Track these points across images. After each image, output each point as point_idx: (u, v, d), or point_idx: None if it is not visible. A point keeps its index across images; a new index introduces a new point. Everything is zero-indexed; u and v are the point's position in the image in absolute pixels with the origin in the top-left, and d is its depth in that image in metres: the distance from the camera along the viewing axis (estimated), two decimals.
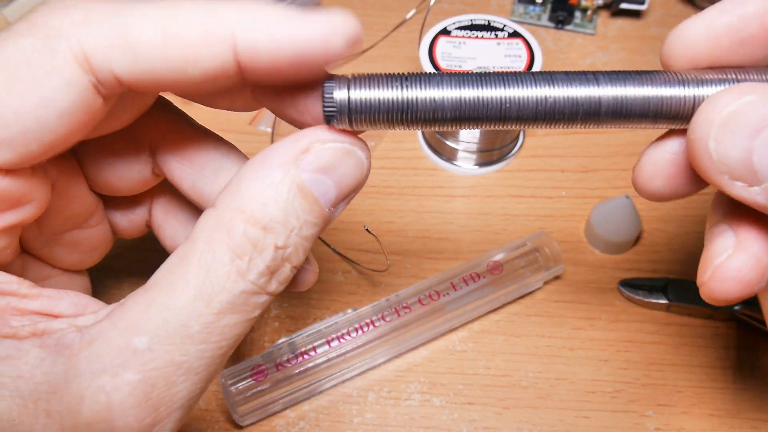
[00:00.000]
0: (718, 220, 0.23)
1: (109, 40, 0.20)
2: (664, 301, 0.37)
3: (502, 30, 0.43)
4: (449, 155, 0.44)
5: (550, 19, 0.52)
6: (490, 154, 0.44)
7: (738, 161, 0.20)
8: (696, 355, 0.36)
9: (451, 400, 0.35)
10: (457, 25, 0.43)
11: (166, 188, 0.29)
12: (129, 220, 0.30)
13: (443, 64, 0.41)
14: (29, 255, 0.27)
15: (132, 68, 0.20)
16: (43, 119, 0.20)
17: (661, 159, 0.23)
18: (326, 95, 0.21)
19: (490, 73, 0.22)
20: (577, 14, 0.52)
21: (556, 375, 0.36)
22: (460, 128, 0.22)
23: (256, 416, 0.34)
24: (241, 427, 0.34)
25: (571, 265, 0.40)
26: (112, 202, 0.29)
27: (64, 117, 0.21)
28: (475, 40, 0.42)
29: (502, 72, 0.22)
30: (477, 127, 0.22)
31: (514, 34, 0.43)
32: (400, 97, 0.21)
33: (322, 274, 0.39)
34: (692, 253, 0.40)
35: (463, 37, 0.43)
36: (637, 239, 0.40)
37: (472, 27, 0.43)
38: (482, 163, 0.44)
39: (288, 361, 0.33)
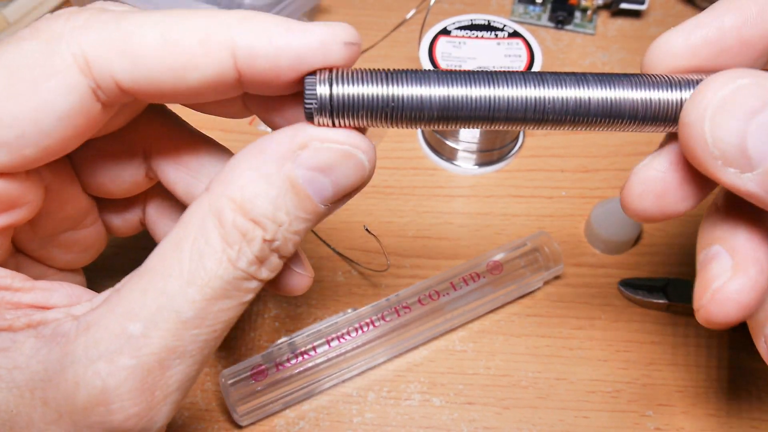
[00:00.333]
0: (711, 242, 0.23)
1: (110, 45, 0.20)
2: (663, 301, 0.37)
3: (502, 30, 0.43)
4: (449, 155, 0.44)
5: (550, 19, 0.52)
6: (490, 154, 0.44)
7: (732, 145, 0.19)
8: (696, 355, 0.36)
9: (451, 400, 0.35)
10: (457, 25, 0.43)
11: (160, 188, 0.29)
12: (123, 220, 0.30)
13: (443, 64, 0.41)
14: (24, 255, 0.27)
15: (132, 73, 0.20)
16: (40, 123, 0.20)
17: (650, 177, 0.23)
18: (307, 90, 0.21)
19: (478, 71, 0.22)
20: (577, 14, 0.52)
21: (556, 375, 0.36)
22: (446, 127, 0.22)
23: (256, 416, 0.34)
24: (241, 427, 0.34)
25: (571, 265, 0.40)
26: (106, 202, 0.29)
27: (61, 121, 0.21)
28: (475, 40, 0.43)
29: (492, 71, 0.22)
30: (464, 127, 0.22)
31: (514, 34, 0.43)
32: (384, 94, 0.21)
33: (322, 274, 0.39)
34: (692, 253, 0.40)
35: (463, 37, 0.43)
36: (637, 239, 0.40)
37: (472, 27, 0.43)
38: (482, 163, 0.44)
39: (288, 361, 0.33)
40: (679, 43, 0.22)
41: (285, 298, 0.38)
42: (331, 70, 0.21)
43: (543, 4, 0.53)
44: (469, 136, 0.43)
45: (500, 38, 0.43)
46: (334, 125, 0.21)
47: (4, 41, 0.21)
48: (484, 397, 0.35)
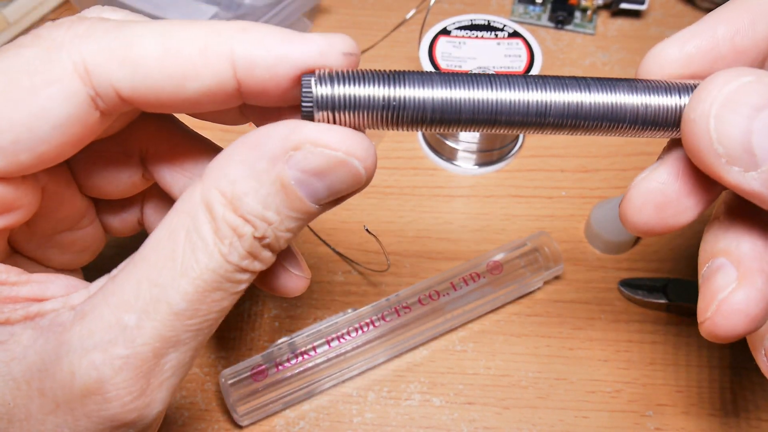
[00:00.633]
0: (713, 255, 0.22)
1: (110, 54, 0.20)
2: (663, 301, 0.37)
3: (502, 30, 0.43)
4: (449, 155, 0.44)
5: (550, 19, 0.52)
6: (490, 154, 0.44)
7: (737, 142, 0.19)
8: (696, 355, 0.36)
9: (451, 400, 0.35)
10: (457, 25, 0.43)
11: (157, 188, 0.29)
12: (121, 220, 0.30)
13: (443, 64, 0.41)
14: (21, 256, 0.27)
15: (132, 82, 0.20)
16: (37, 129, 0.20)
17: (650, 189, 0.22)
18: (304, 90, 0.20)
19: (480, 74, 0.21)
20: (577, 14, 0.52)
21: (556, 375, 0.36)
22: (446, 130, 0.21)
23: (256, 416, 0.34)
24: (241, 427, 0.34)
25: (571, 265, 0.40)
26: (103, 203, 0.29)
27: (58, 128, 0.21)
28: (475, 40, 0.43)
29: (493, 74, 0.21)
30: (464, 130, 0.22)
31: (514, 34, 0.43)
32: (384, 95, 0.20)
33: (322, 274, 0.39)
34: (692, 253, 0.40)
35: (463, 37, 0.43)
36: (637, 239, 0.40)
37: (472, 27, 0.43)
38: (482, 163, 0.44)
39: (288, 361, 0.33)
40: (673, 53, 0.22)
41: (285, 298, 0.38)
42: (329, 69, 0.21)
43: (543, 4, 0.53)
44: (469, 137, 0.43)
45: (500, 38, 0.43)
46: (333, 122, 0.21)
47: (4, 47, 0.21)
48: (484, 397, 0.35)
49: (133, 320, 0.20)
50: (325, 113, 0.20)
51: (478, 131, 0.22)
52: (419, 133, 0.46)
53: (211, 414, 0.35)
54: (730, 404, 0.35)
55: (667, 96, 0.22)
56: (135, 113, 0.25)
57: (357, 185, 0.21)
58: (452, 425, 0.34)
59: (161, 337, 0.20)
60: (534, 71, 0.41)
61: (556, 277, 0.39)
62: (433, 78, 0.21)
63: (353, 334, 0.34)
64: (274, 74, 0.20)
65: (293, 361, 0.34)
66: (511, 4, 0.53)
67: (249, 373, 0.33)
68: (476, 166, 0.44)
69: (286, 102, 0.22)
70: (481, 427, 0.34)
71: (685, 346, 0.37)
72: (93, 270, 0.31)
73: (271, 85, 0.21)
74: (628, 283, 0.38)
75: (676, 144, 0.23)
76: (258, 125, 0.24)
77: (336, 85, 0.20)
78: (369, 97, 0.20)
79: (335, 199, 0.21)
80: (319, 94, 0.20)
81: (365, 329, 0.35)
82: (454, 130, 0.22)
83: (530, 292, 0.39)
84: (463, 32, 0.43)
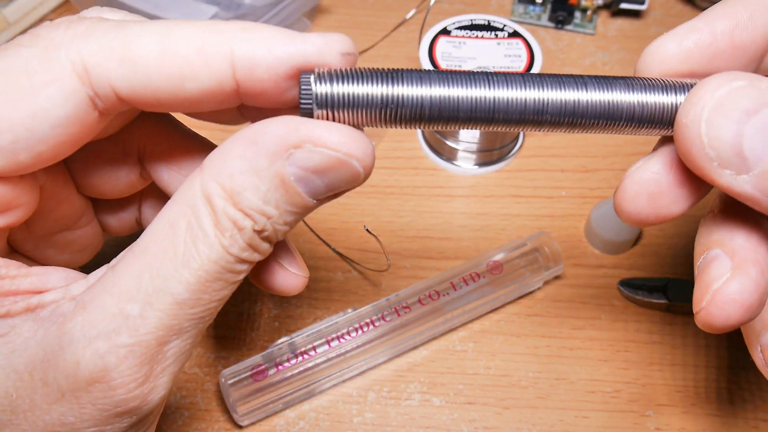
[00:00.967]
0: (708, 246, 0.23)
1: (109, 54, 0.20)
2: (664, 301, 0.37)
3: (502, 30, 0.43)
4: (449, 155, 0.44)
5: (550, 19, 0.52)
6: (490, 154, 0.44)
7: (728, 145, 0.19)
8: (696, 355, 0.36)
9: (451, 400, 0.35)
10: (457, 25, 0.43)
11: (155, 188, 0.29)
12: (119, 220, 0.30)
13: (443, 64, 0.41)
14: (20, 255, 0.27)
15: (130, 82, 0.20)
16: (35, 129, 0.20)
17: (643, 179, 0.23)
18: (303, 88, 0.20)
19: (477, 72, 0.21)
20: (577, 14, 0.52)
21: (556, 375, 0.36)
22: (444, 128, 0.22)
23: (256, 416, 0.34)
24: (241, 427, 0.34)
25: (571, 265, 0.40)
26: (101, 202, 0.29)
27: (57, 128, 0.21)
28: (475, 40, 0.43)
29: (490, 72, 0.21)
30: (462, 128, 0.22)
31: (514, 34, 0.43)
32: (382, 93, 0.20)
33: (322, 274, 0.39)
34: (692, 253, 0.40)
35: (463, 37, 0.43)
36: (637, 239, 0.40)
37: (472, 27, 0.43)
38: (482, 163, 0.44)
39: (288, 361, 0.34)
40: (672, 48, 0.23)
41: (285, 298, 0.38)
42: (327, 68, 0.21)
43: (543, 4, 0.53)
44: (469, 136, 0.43)
45: (500, 38, 0.43)
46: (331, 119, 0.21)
47: (3, 47, 0.21)
48: (484, 397, 0.35)
49: (136, 310, 0.20)
50: (323, 111, 0.21)
51: (476, 129, 0.22)
52: (419, 133, 0.46)
53: (211, 414, 0.35)
54: (730, 404, 0.35)
55: (663, 95, 0.22)
56: (134, 113, 0.25)
57: (355, 183, 0.22)
58: (452, 425, 0.34)
59: (164, 325, 0.20)
60: (534, 71, 0.41)
61: (556, 277, 0.39)
62: (431, 76, 0.21)
63: (353, 334, 0.34)
64: (273, 75, 0.21)
65: (293, 361, 0.34)
66: (511, 4, 0.53)
67: (249, 373, 0.33)
68: (476, 166, 0.44)
69: (285, 104, 0.22)
70: (481, 427, 0.34)
71: (685, 346, 0.37)
72: (92, 269, 0.31)
73: (270, 85, 0.21)
74: (628, 283, 0.38)
75: (670, 137, 0.23)
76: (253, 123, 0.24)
77: (334, 83, 0.20)
78: (367, 95, 0.21)
79: (331, 195, 0.22)
80: (318, 92, 0.20)
81: (365, 329, 0.35)
82: (452, 128, 0.22)
83: (530, 292, 0.39)
84: (463, 32, 0.43)
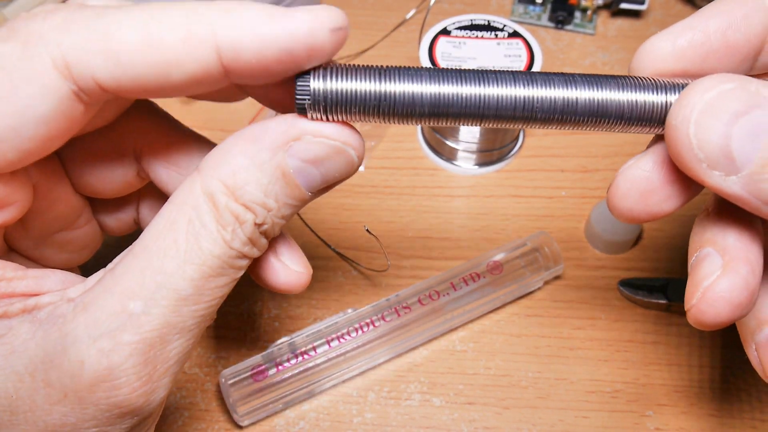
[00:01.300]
0: (701, 245, 0.23)
1: (90, 46, 0.20)
2: (663, 301, 0.37)
3: (502, 30, 0.43)
4: (449, 155, 0.44)
5: (550, 19, 0.52)
6: (489, 154, 0.44)
7: (717, 147, 0.20)
8: (696, 355, 0.36)
9: (451, 400, 0.35)
10: (457, 25, 0.43)
11: (153, 187, 0.29)
12: (117, 219, 0.30)
13: (443, 64, 0.41)
14: (18, 255, 0.27)
15: (114, 74, 0.20)
16: (19, 127, 0.20)
17: (635, 176, 0.23)
18: (299, 85, 0.21)
19: (469, 70, 0.22)
20: (577, 14, 0.52)
21: (556, 375, 0.36)
22: (436, 123, 0.22)
23: (256, 416, 0.34)
24: (241, 427, 0.34)
25: (571, 265, 0.40)
26: (99, 202, 0.29)
27: (41, 125, 0.20)
28: (475, 40, 0.42)
29: (482, 69, 0.22)
30: (454, 124, 0.22)
31: (514, 34, 0.43)
32: (376, 90, 0.21)
33: (322, 274, 0.39)
34: None
35: (463, 37, 0.43)
36: (637, 239, 0.40)
37: (472, 27, 0.43)
38: (482, 163, 0.44)
39: (288, 361, 0.34)
40: (665, 47, 0.23)
41: (285, 298, 0.38)
42: (322, 66, 0.21)
43: (543, 4, 0.53)
44: (469, 136, 0.43)
45: (500, 38, 0.43)
46: (326, 119, 0.21)
47: None
48: (484, 397, 0.35)
49: (140, 307, 0.20)
50: (318, 107, 0.21)
51: (468, 125, 0.22)
52: (419, 133, 0.46)
53: (211, 414, 0.35)
54: (729, 404, 0.35)
55: (653, 94, 0.22)
56: (126, 104, 0.25)
57: (350, 172, 0.22)
58: (452, 425, 0.34)
59: (168, 323, 0.21)
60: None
61: (556, 277, 0.39)
62: (423, 73, 0.21)
63: (353, 334, 0.34)
64: (260, 57, 0.20)
65: (293, 361, 0.34)
66: (511, 4, 0.53)
67: (249, 373, 0.33)
68: (476, 166, 0.44)
69: (276, 78, 0.21)
70: (481, 427, 0.34)
71: (685, 346, 0.37)
72: (91, 269, 0.31)
73: (259, 68, 0.20)
74: (628, 283, 0.38)
75: (662, 136, 0.23)
76: (257, 98, 0.24)
77: (329, 81, 0.21)
78: (361, 91, 0.21)
79: (326, 187, 0.23)
80: (313, 89, 0.21)
81: (365, 329, 0.35)
82: (445, 123, 0.22)
83: (530, 292, 0.39)
84: (463, 32, 0.43)
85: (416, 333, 0.35)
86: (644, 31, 0.52)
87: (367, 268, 0.39)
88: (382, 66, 0.22)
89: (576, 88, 0.22)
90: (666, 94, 0.22)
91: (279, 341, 0.34)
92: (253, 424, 0.34)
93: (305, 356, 0.34)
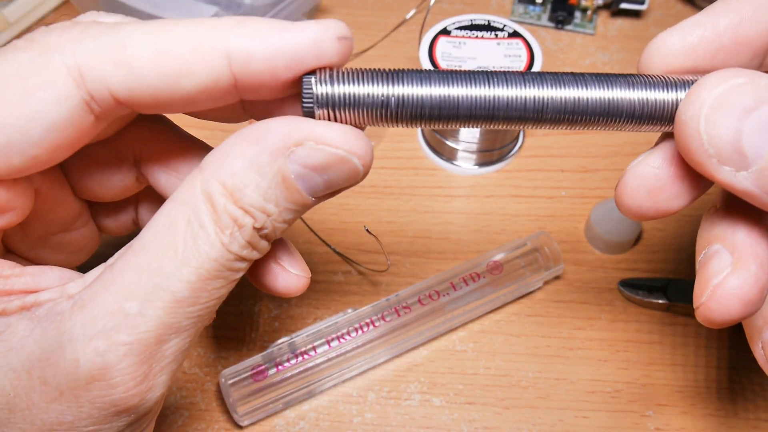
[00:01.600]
0: (710, 241, 0.23)
1: (104, 56, 0.20)
2: (663, 301, 0.37)
3: (502, 30, 0.43)
4: (449, 155, 0.44)
5: (550, 19, 0.52)
6: (490, 154, 0.44)
7: (727, 142, 0.20)
8: (696, 355, 0.36)
9: (451, 400, 0.35)
10: (457, 25, 0.43)
11: (151, 189, 0.29)
12: (116, 221, 0.30)
13: (443, 64, 0.41)
14: (15, 256, 0.27)
15: (127, 83, 0.20)
16: (29, 132, 0.20)
17: (644, 173, 0.23)
18: (305, 88, 0.21)
19: (477, 71, 0.22)
20: (577, 14, 0.52)
21: (556, 375, 0.36)
22: (445, 126, 0.22)
23: (256, 416, 0.34)
24: (241, 427, 0.34)
25: (571, 265, 0.40)
26: (97, 204, 0.29)
27: (51, 132, 0.21)
28: (475, 40, 0.42)
29: (490, 71, 0.22)
30: (462, 126, 0.22)
31: (514, 34, 0.43)
32: (381, 93, 0.21)
33: (322, 274, 0.39)
34: (692, 253, 0.40)
35: (463, 37, 0.43)
36: (637, 239, 0.40)
37: (472, 27, 0.43)
38: (482, 163, 0.44)
39: (288, 361, 0.34)
40: (675, 43, 0.23)
41: (285, 298, 0.38)
42: (329, 69, 0.21)
43: (543, 4, 0.53)
44: (469, 136, 0.43)
45: (500, 38, 0.43)
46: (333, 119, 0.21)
47: (0, 50, 0.21)
48: (484, 397, 0.35)
49: (136, 308, 0.20)
50: (325, 111, 0.21)
51: (476, 127, 0.22)
52: (419, 134, 0.46)
53: (211, 414, 0.35)
54: (730, 404, 0.35)
55: (663, 91, 0.22)
56: (130, 117, 0.25)
57: (354, 181, 0.22)
58: (452, 425, 0.34)
59: (163, 324, 0.21)
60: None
61: (556, 277, 0.39)
62: (431, 76, 0.21)
63: (353, 334, 0.34)
64: (271, 66, 0.20)
65: (293, 361, 0.34)
66: (511, 4, 0.53)
67: (249, 373, 0.33)
68: (476, 166, 0.44)
69: (284, 93, 0.22)
70: (481, 427, 0.34)
71: (685, 346, 0.37)
72: (90, 269, 0.31)
73: (268, 77, 0.21)
74: (628, 283, 0.38)
75: (671, 132, 0.23)
76: (260, 119, 0.24)
77: (336, 84, 0.21)
78: (367, 95, 0.21)
79: (330, 194, 0.22)
80: (320, 93, 0.21)
81: (365, 329, 0.35)
82: (453, 126, 0.22)
83: (530, 292, 0.39)
84: (463, 32, 0.43)
85: (416, 333, 0.35)
86: (644, 31, 0.52)
87: (367, 268, 0.39)
88: (389, 69, 0.21)
89: (586, 88, 0.22)
90: (676, 91, 0.22)
91: (279, 341, 0.34)
92: (253, 424, 0.34)
93: (305, 356, 0.34)
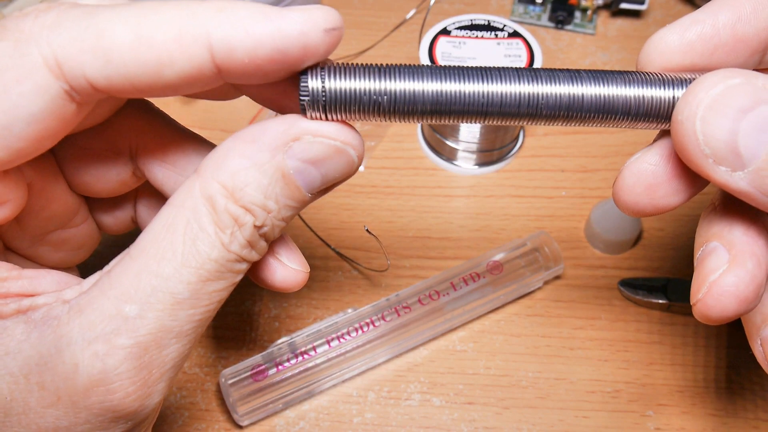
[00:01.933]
0: (707, 239, 0.23)
1: (81, 45, 0.20)
2: (664, 301, 0.37)
3: (502, 30, 0.43)
4: (449, 155, 0.44)
5: (550, 19, 0.52)
6: (490, 154, 0.44)
7: (723, 143, 0.20)
8: (696, 355, 0.36)
9: (451, 400, 0.35)
10: (457, 25, 0.43)
11: (150, 186, 0.29)
12: (114, 218, 0.30)
13: (443, 64, 0.41)
14: (14, 254, 0.27)
15: (105, 73, 0.20)
16: (11, 126, 0.20)
17: (641, 170, 0.23)
18: (302, 84, 0.21)
19: (472, 67, 0.22)
20: (577, 14, 0.52)
21: (556, 375, 0.36)
22: (439, 121, 0.22)
23: (256, 416, 0.34)
24: (241, 427, 0.34)
25: (571, 265, 0.40)
26: (95, 201, 0.29)
27: (33, 124, 0.20)
28: (475, 40, 0.42)
29: (485, 67, 0.22)
30: (457, 121, 0.22)
31: (514, 34, 0.43)
32: (376, 89, 0.21)
33: (322, 274, 0.39)
34: (692, 253, 0.40)
35: (463, 37, 0.43)
36: (637, 239, 0.40)
37: (472, 27, 0.43)
38: (482, 163, 0.44)
39: (288, 361, 0.33)
40: (674, 40, 0.23)
41: (285, 298, 0.38)
42: (325, 65, 0.21)
43: (543, 4, 0.53)
44: (469, 136, 0.43)
45: (500, 38, 0.43)
46: (326, 119, 0.21)
47: None
48: (484, 397, 0.35)
49: (135, 310, 0.20)
50: (321, 107, 0.21)
51: (471, 122, 0.22)
52: (419, 134, 0.46)
53: (211, 414, 0.35)
54: (730, 404, 0.35)
55: (660, 89, 0.22)
56: (119, 103, 0.25)
57: (349, 173, 0.22)
58: (452, 425, 0.34)
59: (164, 327, 0.20)
60: None
61: (556, 277, 0.39)
62: (425, 71, 0.21)
63: (353, 334, 0.34)
64: (253, 57, 0.20)
65: (293, 361, 0.34)
66: (511, 4, 0.53)
67: (249, 373, 0.33)
68: (476, 166, 0.44)
69: (271, 79, 0.21)
70: (481, 427, 0.34)
71: (685, 346, 0.37)
72: (90, 269, 0.31)
73: (252, 67, 0.20)
74: (628, 283, 0.38)
75: (668, 131, 0.23)
76: (252, 97, 0.24)
77: (332, 80, 0.21)
78: (365, 90, 0.21)
79: (326, 188, 0.22)
80: (316, 88, 0.21)
81: (365, 329, 0.35)
82: (448, 121, 0.22)
83: (530, 292, 0.39)
84: (463, 32, 0.43)
85: (416, 333, 0.35)
86: (644, 31, 0.52)
87: (367, 268, 0.39)
88: (383, 64, 0.21)
89: (582, 84, 0.22)
90: (673, 89, 0.22)
91: (279, 341, 0.34)
92: (253, 424, 0.34)
93: (305, 356, 0.34)
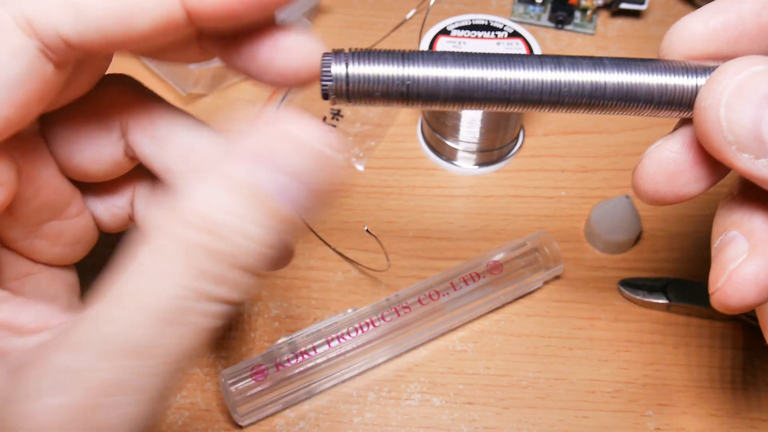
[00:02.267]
0: (726, 228, 0.23)
1: (50, 1, 0.19)
2: (664, 301, 0.37)
3: (502, 30, 0.43)
4: (449, 155, 0.44)
5: (550, 19, 0.52)
6: (489, 154, 0.44)
7: (747, 129, 0.19)
8: (696, 355, 0.36)
9: (451, 400, 0.35)
10: (457, 25, 0.43)
11: (146, 179, 0.29)
12: (111, 214, 0.29)
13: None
14: (8, 249, 0.26)
15: (77, 27, 0.20)
16: None
17: (663, 158, 0.23)
18: (324, 69, 0.21)
19: (495, 54, 0.22)
20: (577, 14, 0.52)
21: (556, 375, 0.36)
22: (461, 108, 0.22)
23: (256, 416, 0.34)
24: (241, 427, 0.34)
25: (571, 265, 0.40)
26: (91, 191, 0.28)
27: (14, 88, 0.20)
28: (475, 40, 0.42)
29: (508, 54, 0.22)
30: (479, 108, 0.22)
31: (514, 34, 0.43)
32: (400, 74, 0.21)
33: (322, 274, 0.39)
34: (692, 253, 0.40)
35: (463, 37, 0.43)
36: (637, 239, 0.40)
37: (472, 27, 0.43)
38: (482, 163, 0.44)
39: (288, 361, 0.33)
40: (697, 28, 0.22)
41: (285, 298, 0.38)
42: (348, 50, 0.21)
43: (543, 4, 0.53)
44: (469, 136, 0.43)
45: (500, 38, 0.43)
46: (349, 103, 0.21)
47: None
48: (484, 397, 0.35)
49: (84, 362, 0.18)
50: (344, 92, 0.21)
51: (493, 109, 0.22)
52: (419, 134, 0.46)
53: (211, 414, 0.35)
54: (730, 404, 0.35)
55: (682, 77, 0.22)
56: (100, 69, 0.25)
57: (336, 176, 0.19)
58: (452, 425, 0.34)
59: (115, 381, 0.18)
60: None
61: (556, 277, 0.39)
62: (447, 57, 0.21)
63: (353, 334, 0.34)
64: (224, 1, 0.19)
65: (293, 361, 0.34)
66: (511, 4, 0.53)
67: (249, 373, 0.33)
68: (476, 166, 0.44)
69: (243, 21, 0.21)
70: (481, 427, 0.34)
71: (685, 346, 0.37)
72: (90, 269, 0.31)
73: (224, 12, 0.20)
74: (628, 283, 0.38)
75: (690, 119, 0.23)
76: (222, 59, 0.23)
77: (354, 65, 0.21)
78: (385, 75, 0.21)
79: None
80: (338, 74, 0.21)
81: (365, 329, 0.35)
82: (470, 108, 0.22)
83: (530, 292, 0.39)
84: (463, 32, 0.43)
85: (416, 333, 0.35)
86: (644, 31, 0.52)
87: (367, 268, 0.39)
88: (405, 50, 0.21)
89: (604, 71, 0.22)
90: (696, 77, 0.22)
91: (279, 341, 0.34)
92: (253, 424, 0.34)
93: (305, 356, 0.34)
